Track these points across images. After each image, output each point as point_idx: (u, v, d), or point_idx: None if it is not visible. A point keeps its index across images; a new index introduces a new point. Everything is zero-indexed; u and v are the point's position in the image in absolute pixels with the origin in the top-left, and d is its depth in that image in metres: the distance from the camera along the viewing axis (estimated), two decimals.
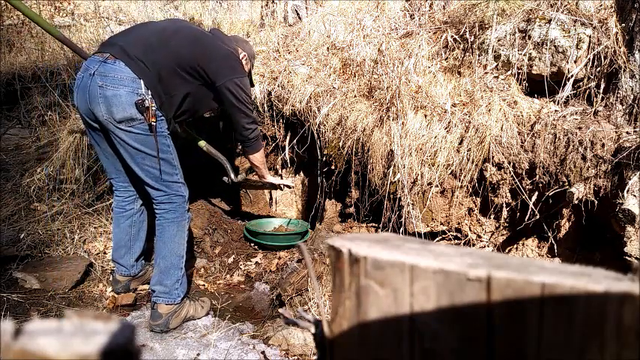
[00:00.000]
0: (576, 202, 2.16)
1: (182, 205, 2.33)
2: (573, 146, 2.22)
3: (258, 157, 2.67)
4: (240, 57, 2.47)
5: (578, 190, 2.15)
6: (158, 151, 2.18)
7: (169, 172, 2.27)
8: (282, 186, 3.02)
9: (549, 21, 2.46)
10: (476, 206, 2.59)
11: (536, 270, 0.42)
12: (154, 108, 2.10)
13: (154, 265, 2.37)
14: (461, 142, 2.48)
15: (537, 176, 2.32)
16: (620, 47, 2.26)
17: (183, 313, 2.36)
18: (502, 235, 2.58)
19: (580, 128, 2.24)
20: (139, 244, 2.56)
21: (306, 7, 3.78)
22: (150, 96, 2.10)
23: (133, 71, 2.09)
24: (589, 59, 2.37)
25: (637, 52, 2.22)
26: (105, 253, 2.82)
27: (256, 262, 3.01)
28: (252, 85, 2.77)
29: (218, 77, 2.27)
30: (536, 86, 2.51)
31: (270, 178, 2.90)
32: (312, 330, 0.54)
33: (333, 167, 2.93)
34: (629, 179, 2.01)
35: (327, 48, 3.22)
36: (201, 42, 2.29)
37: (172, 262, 2.31)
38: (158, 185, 2.27)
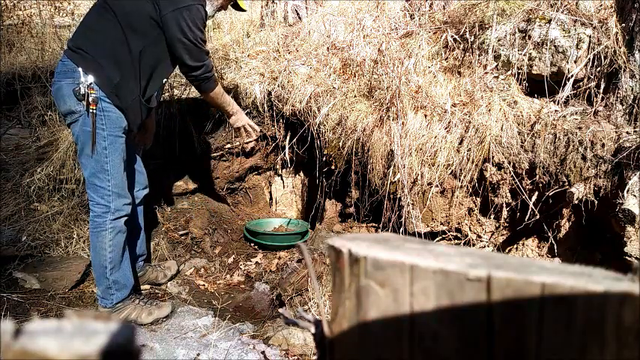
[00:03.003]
0: (576, 202, 2.16)
1: (101, 216, 2.18)
2: (573, 146, 2.22)
3: (213, 97, 2.41)
4: None
5: (578, 190, 2.15)
6: (94, 145, 2.06)
7: (98, 177, 2.14)
8: (246, 127, 2.64)
9: (549, 21, 2.46)
10: (476, 206, 2.59)
11: (536, 270, 0.42)
12: (94, 95, 2.03)
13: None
14: (461, 142, 2.48)
15: (537, 176, 2.32)
16: (620, 47, 2.26)
17: (121, 317, 2.27)
18: (502, 235, 2.58)
19: (580, 128, 2.24)
20: (138, 243, 2.56)
21: (306, 7, 3.78)
22: (89, 83, 2.03)
23: (73, 61, 2.06)
24: (589, 59, 2.37)
25: (637, 52, 2.22)
26: None
27: (256, 262, 3.01)
28: (240, 9, 2.50)
29: (162, 8, 2.08)
30: (536, 86, 2.51)
31: (240, 118, 2.59)
32: (312, 330, 0.54)
33: (333, 167, 2.93)
34: (629, 179, 2.01)
35: (327, 48, 3.22)
36: None
37: (98, 271, 2.25)
38: (87, 186, 2.19)
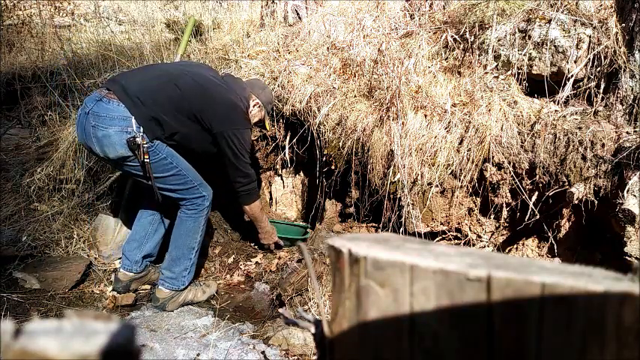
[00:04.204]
0: (576, 202, 2.16)
1: (201, 204, 2.42)
2: (573, 146, 2.22)
3: (249, 210, 2.65)
4: (251, 105, 2.55)
5: (578, 190, 2.15)
6: (154, 177, 2.23)
7: (181, 183, 2.35)
8: (271, 246, 2.93)
9: (549, 21, 2.46)
10: (476, 206, 2.59)
11: (536, 270, 0.42)
12: (145, 145, 2.15)
13: (167, 252, 2.50)
14: (461, 142, 2.48)
15: (537, 176, 2.32)
16: (620, 47, 2.26)
17: (181, 298, 2.49)
18: (502, 235, 2.58)
19: (580, 128, 2.24)
20: (152, 244, 2.58)
21: (306, 7, 3.78)
22: (142, 133, 2.14)
23: (127, 108, 2.13)
24: (589, 59, 2.37)
25: (637, 52, 2.22)
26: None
27: (256, 262, 3.01)
28: (267, 129, 2.82)
29: (214, 125, 2.31)
30: (536, 86, 2.51)
31: (270, 237, 2.84)
32: (312, 330, 0.54)
33: (333, 167, 2.93)
34: (629, 179, 2.01)
35: (327, 48, 3.22)
36: (204, 89, 2.32)
37: (183, 252, 2.44)
38: (176, 195, 2.38)
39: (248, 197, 2.57)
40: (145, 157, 2.17)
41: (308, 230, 3.20)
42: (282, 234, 3.00)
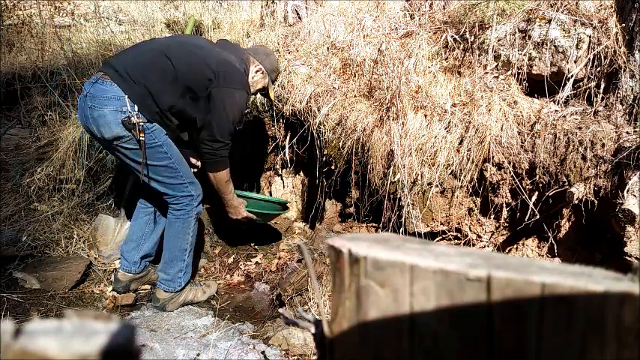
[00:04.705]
0: (576, 202, 2.16)
1: (189, 204, 2.38)
2: (573, 146, 2.22)
3: (213, 179, 2.42)
4: (253, 70, 2.47)
5: (578, 190, 2.15)
6: (147, 160, 2.19)
7: (171, 176, 2.30)
8: (242, 221, 2.68)
9: (549, 21, 2.46)
10: (476, 206, 2.59)
11: (536, 270, 0.42)
12: (141, 124, 2.12)
13: (162, 254, 2.48)
14: (461, 142, 2.48)
15: (537, 176, 2.32)
16: (620, 47, 2.26)
17: (181, 299, 2.49)
18: (502, 235, 2.58)
19: (580, 128, 2.24)
20: (149, 244, 2.58)
21: (306, 7, 3.78)
22: (137, 112, 2.12)
23: (120, 88, 2.12)
24: (589, 59, 2.37)
25: (637, 52, 2.22)
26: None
27: (256, 262, 3.01)
28: (271, 99, 2.73)
29: (209, 86, 2.23)
30: (536, 86, 2.51)
31: (238, 212, 2.59)
32: (312, 330, 0.54)
33: (333, 167, 2.93)
34: (629, 179, 2.01)
35: (327, 48, 3.22)
36: (195, 54, 2.27)
37: (176, 254, 2.43)
38: (164, 189, 2.33)
39: (214, 165, 2.36)
40: (141, 135, 2.12)
41: (288, 206, 3.05)
42: (255, 209, 2.72)
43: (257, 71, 2.50)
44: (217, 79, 2.24)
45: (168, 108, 2.20)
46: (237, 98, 2.27)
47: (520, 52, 2.51)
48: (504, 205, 2.49)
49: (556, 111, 2.38)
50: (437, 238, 2.67)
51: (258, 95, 3.20)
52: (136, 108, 2.12)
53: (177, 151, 2.31)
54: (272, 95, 2.67)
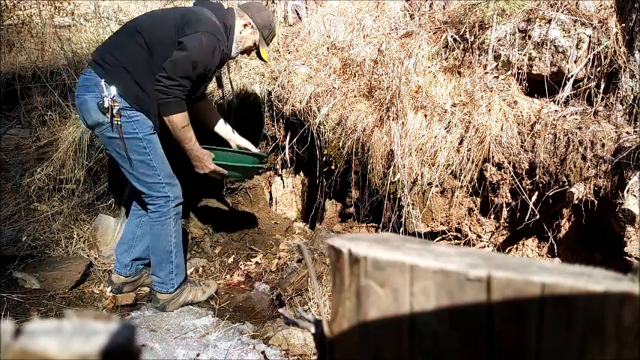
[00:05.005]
0: (576, 202, 2.16)
1: (165, 206, 2.33)
2: (573, 146, 2.22)
3: (168, 123, 2.19)
4: (240, 24, 2.31)
5: (578, 190, 2.15)
6: (127, 152, 2.19)
7: (148, 174, 2.26)
8: (211, 175, 2.41)
9: (549, 21, 2.46)
10: (476, 206, 2.59)
11: (536, 270, 0.42)
12: (117, 107, 2.12)
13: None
14: (461, 142, 2.48)
15: (537, 176, 2.32)
16: (620, 47, 2.26)
17: (180, 299, 2.48)
18: (502, 235, 2.58)
19: (580, 128, 2.24)
20: (141, 247, 2.53)
21: (306, 7, 3.77)
22: (112, 95, 2.12)
23: (97, 74, 2.15)
24: (589, 59, 2.37)
25: (637, 52, 2.21)
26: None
27: (256, 262, 3.01)
28: (264, 60, 2.47)
29: (186, 32, 2.12)
30: (536, 86, 2.51)
31: (204, 165, 2.32)
32: (312, 330, 0.54)
33: (333, 167, 2.93)
34: (629, 179, 2.01)
35: (327, 48, 3.22)
36: (164, 15, 2.22)
37: (162, 257, 2.41)
38: (140, 186, 2.31)
39: (166, 106, 2.15)
40: (117, 119, 2.12)
41: (265, 160, 2.77)
42: (226, 161, 2.43)
43: (245, 25, 2.31)
44: (182, 31, 2.13)
45: (153, 85, 2.12)
46: (202, 40, 2.11)
47: (520, 52, 2.51)
48: (504, 205, 2.49)
49: (556, 111, 2.38)
50: (437, 238, 2.67)
51: (259, 94, 3.20)
52: (113, 91, 2.12)
53: (158, 149, 2.27)
54: (265, 55, 2.43)
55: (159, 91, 2.12)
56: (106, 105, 2.10)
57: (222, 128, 2.71)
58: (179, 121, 2.19)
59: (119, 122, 2.13)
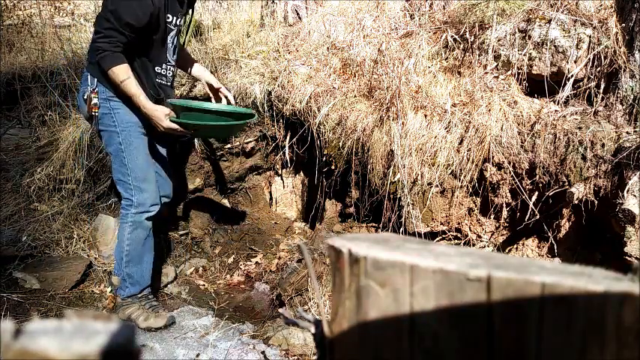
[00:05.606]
0: (576, 202, 2.16)
1: (126, 208, 2.28)
2: (573, 146, 2.22)
3: (113, 79, 2.08)
4: None
5: (578, 190, 2.15)
6: (105, 144, 2.29)
7: (120, 171, 2.26)
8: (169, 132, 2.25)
9: (549, 21, 2.46)
10: (476, 206, 2.59)
11: (536, 270, 0.42)
12: (95, 99, 2.16)
13: None
14: (461, 142, 2.48)
15: (537, 176, 2.32)
16: (620, 47, 2.26)
17: (127, 311, 2.31)
18: (502, 235, 2.58)
19: (580, 128, 2.24)
20: None
21: (306, 7, 3.77)
22: (94, 86, 2.16)
23: (86, 69, 2.23)
24: (589, 59, 2.37)
25: (637, 52, 2.21)
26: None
27: (256, 262, 3.01)
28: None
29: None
30: (536, 86, 2.51)
31: (155, 120, 2.17)
32: (312, 330, 0.54)
33: (333, 167, 2.93)
34: (629, 179, 2.01)
35: (327, 48, 3.22)
36: None
37: (117, 259, 2.35)
38: (115, 181, 2.35)
39: (102, 61, 2.06)
40: (94, 110, 2.15)
41: (252, 116, 2.41)
42: (215, 121, 2.23)
43: None
44: None
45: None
46: None
47: (520, 52, 2.51)
48: (504, 205, 2.49)
49: (556, 111, 2.38)
50: (437, 238, 2.67)
51: (258, 95, 3.19)
52: (95, 82, 2.17)
53: (135, 148, 2.20)
54: None
55: (93, 50, 2.08)
56: (85, 97, 2.18)
57: (198, 70, 2.59)
58: (115, 75, 2.07)
59: (96, 114, 2.17)
